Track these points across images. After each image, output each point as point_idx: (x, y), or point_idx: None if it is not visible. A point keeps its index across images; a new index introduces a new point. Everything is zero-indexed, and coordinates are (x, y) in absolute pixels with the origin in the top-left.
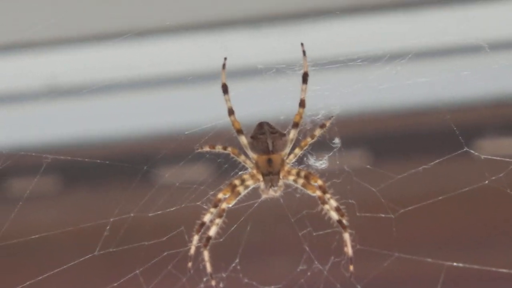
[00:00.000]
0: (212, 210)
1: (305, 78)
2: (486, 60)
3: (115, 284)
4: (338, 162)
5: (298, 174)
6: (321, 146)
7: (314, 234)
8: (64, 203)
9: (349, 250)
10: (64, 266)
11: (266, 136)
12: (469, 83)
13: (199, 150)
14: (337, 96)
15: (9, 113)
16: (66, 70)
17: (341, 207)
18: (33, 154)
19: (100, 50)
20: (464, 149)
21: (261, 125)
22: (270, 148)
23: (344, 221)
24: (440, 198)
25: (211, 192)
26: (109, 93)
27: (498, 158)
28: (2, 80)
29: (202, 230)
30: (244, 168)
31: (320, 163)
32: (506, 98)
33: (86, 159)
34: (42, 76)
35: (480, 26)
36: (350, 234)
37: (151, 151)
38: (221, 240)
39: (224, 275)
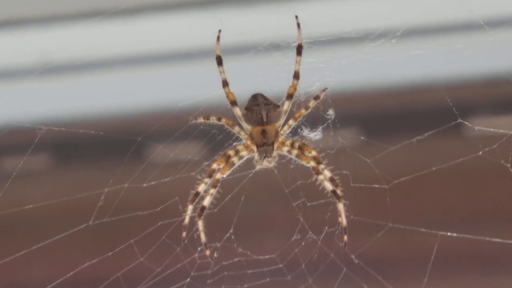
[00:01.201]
0: (206, 180)
1: (299, 50)
2: (481, 37)
3: (110, 254)
4: (332, 134)
5: (292, 145)
6: (315, 118)
7: (308, 204)
8: (59, 178)
9: (343, 220)
10: (59, 236)
11: (260, 107)
12: (464, 60)
13: (193, 122)
14: (332, 68)
15: (2, 89)
16: (59, 47)
17: (335, 177)
18: (27, 125)
19: (94, 26)
20: (458, 120)
21: (255, 97)
22: (264, 119)
23: (338, 192)
24: (433, 169)
25: (205, 163)
26: (103, 69)
27: (492, 129)
28: None
29: (196, 200)
30: (238, 139)
31: (314, 134)
32: (501, 75)
33: (81, 130)
34: (35, 53)
35: (477, 2)
36: (344, 205)
37: (146, 125)
38: (215, 210)
39: (218, 244)
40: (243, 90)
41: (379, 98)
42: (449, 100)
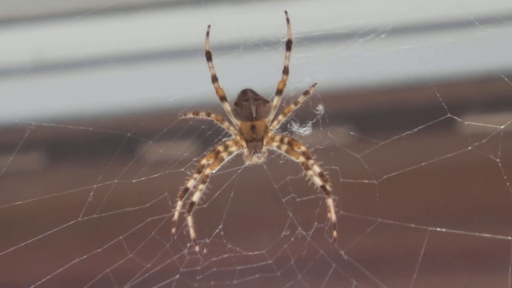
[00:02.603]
0: (196, 176)
1: (288, 45)
2: (472, 33)
3: (99, 250)
4: (321, 129)
5: (281, 141)
6: (305, 113)
7: (298, 200)
8: (49, 175)
9: (332, 216)
10: (48, 232)
11: (249, 102)
12: (455, 56)
13: (183, 117)
14: (321, 64)
15: None
16: (49, 44)
17: (325, 173)
18: (16, 121)
19: (87, 25)
20: (448, 115)
21: (244, 92)
22: (254, 114)
23: (328, 187)
24: (423, 164)
25: (195, 159)
26: (93, 67)
27: (481, 124)
28: None
29: (186, 196)
30: (228, 134)
31: (304, 129)
32: (492, 72)
33: (70, 126)
34: (28, 51)
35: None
36: (334, 200)
37: (136, 121)
38: (205, 206)
39: (207, 240)
40: (232, 86)
41: (369, 93)
42: (438, 95)
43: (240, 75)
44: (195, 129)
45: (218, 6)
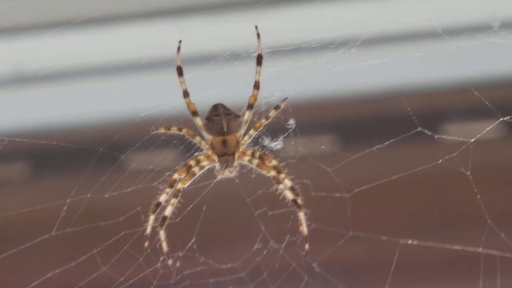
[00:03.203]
0: (168, 190)
1: (259, 60)
2: (441, 44)
3: (73, 264)
4: (292, 143)
5: (253, 155)
6: (276, 127)
7: (270, 213)
8: (23, 190)
9: (304, 229)
10: (21, 247)
11: (221, 117)
12: (425, 67)
13: (155, 132)
14: (292, 78)
15: None
16: (30, 57)
17: (296, 186)
18: None
19: (61, 36)
20: (418, 129)
21: (216, 107)
22: (225, 129)
23: (299, 201)
24: (394, 177)
25: (167, 173)
26: (69, 79)
27: (451, 137)
28: None
29: (158, 210)
30: (199, 149)
31: (275, 144)
32: (462, 83)
33: (42, 141)
34: (6, 63)
35: (436, 10)
36: (305, 213)
37: (109, 135)
38: (177, 220)
39: (180, 254)
40: (204, 100)
41: (340, 107)
42: (408, 109)
43: (210, 89)
44: (167, 144)
45: (188, 18)
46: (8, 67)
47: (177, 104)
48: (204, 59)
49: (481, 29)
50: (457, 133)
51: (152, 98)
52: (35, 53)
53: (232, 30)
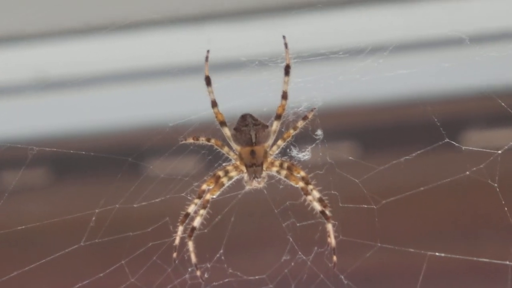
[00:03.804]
0: (196, 201)
1: (287, 70)
2: (467, 53)
3: (101, 274)
4: (321, 154)
5: (281, 166)
6: (304, 138)
7: (298, 225)
8: (51, 195)
9: (332, 240)
10: (50, 257)
11: (249, 128)
12: (451, 75)
13: (183, 142)
14: (319, 88)
15: None
16: (54, 63)
17: (324, 198)
18: (19, 145)
19: (88, 43)
20: (445, 140)
21: (244, 117)
22: (253, 139)
23: (327, 212)
24: (421, 188)
25: (195, 183)
26: (95, 86)
27: (479, 149)
28: None
29: (187, 221)
30: (227, 159)
31: (303, 154)
32: (488, 90)
33: (72, 151)
34: (30, 69)
35: (462, 19)
36: (333, 225)
37: (137, 143)
38: (206, 231)
39: (208, 265)
40: (232, 110)
41: (368, 116)
42: (436, 120)
43: (239, 98)
44: (195, 154)
45: (216, 25)
46: (31, 74)
47: (205, 113)
48: (232, 68)
49: (507, 36)
50: (481, 141)
51: (180, 107)
52: (64, 58)
53: (260, 38)
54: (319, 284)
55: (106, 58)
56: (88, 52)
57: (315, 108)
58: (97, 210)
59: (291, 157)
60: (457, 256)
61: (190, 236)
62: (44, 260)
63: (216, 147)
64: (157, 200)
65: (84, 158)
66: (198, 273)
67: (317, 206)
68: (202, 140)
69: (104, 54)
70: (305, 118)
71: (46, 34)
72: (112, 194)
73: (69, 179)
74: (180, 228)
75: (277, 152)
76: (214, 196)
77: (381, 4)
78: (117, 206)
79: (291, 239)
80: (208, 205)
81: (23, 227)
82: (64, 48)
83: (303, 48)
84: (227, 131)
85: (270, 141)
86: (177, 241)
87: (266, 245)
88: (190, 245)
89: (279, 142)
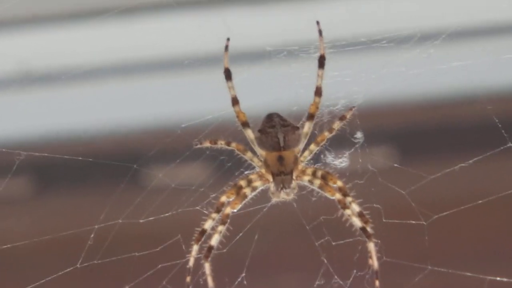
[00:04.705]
0: (214, 215)
1: (321, 62)
2: None
3: None
4: (360, 160)
5: (314, 174)
6: (341, 142)
7: (333, 243)
8: (41, 208)
9: (374, 262)
10: (41, 281)
11: (276, 129)
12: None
13: (198, 146)
14: (360, 83)
15: None
16: (40, 53)
17: (365, 212)
18: (3, 150)
19: (81, 29)
20: (508, 145)
21: (270, 117)
22: (281, 143)
23: (368, 229)
24: (479, 202)
25: (213, 195)
26: (92, 79)
27: None
28: None
29: (203, 239)
30: (251, 167)
31: (340, 161)
32: None
33: (66, 156)
34: (12, 60)
35: None
36: (376, 244)
37: (142, 147)
38: (225, 250)
39: None
40: (256, 109)
41: (416, 116)
42: (497, 120)
43: (264, 95)
44: (213, 160)
45: (237, 9)
46: (11, 66)
47: (224, 112)
48: (256, 59)
49: None
50: None
51: (194, 105)
52: (52, 49)
53: (288, 24)
54: None
55: (104, 48)
56: (82, 40)
57: (354, 107)
58: (96, 226)
59: (326, 164)
60: None
61: (206, 256)
62: (34, 285)
63: (237, 152)
64: (167, 214)
65: (80, 165)
66: None
67: (357, 222)
68: (221, 144)
69: (102, 42)
70: (342, 118)
71: (30, 20)
72: (114, 208)
73: (63, 190)
74: (195, 248)
75: (309, 158)
76: (235, 210)
77: None
78: (119, 221)
79: (325, 261)
80: (228, 221)
81: (8, 246)
82: (52, 36)
83: (340, 36)
84: (250, 134)
85: (301, 146)
86: (191, 262)
87: (295, 267)
88: (207, 267)
89: (312, 146)
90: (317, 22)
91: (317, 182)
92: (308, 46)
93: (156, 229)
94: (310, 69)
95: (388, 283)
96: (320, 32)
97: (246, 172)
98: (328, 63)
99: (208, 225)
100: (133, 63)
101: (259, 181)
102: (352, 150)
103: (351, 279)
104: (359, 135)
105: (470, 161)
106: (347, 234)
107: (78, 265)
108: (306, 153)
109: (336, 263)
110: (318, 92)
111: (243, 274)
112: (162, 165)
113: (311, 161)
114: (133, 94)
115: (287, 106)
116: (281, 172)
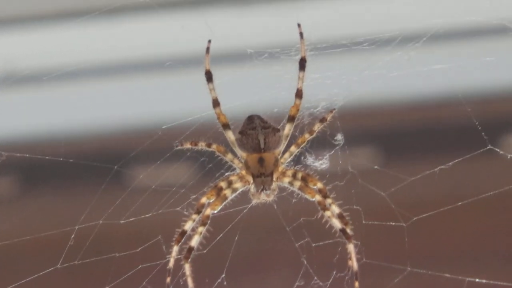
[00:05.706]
0: (194, 216)
1: (302, 64)
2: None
3: None
4: (341, 162)
5: (294, 176)
6: (321, 144)
7: (313, 245)
8: (22, 208)
9: (353, 263)
10: (21, 281)
11: (257, 131)
12: (494, 71)
13: (179, 148)
14: (340, 85)
15: None
16: (25, 53)
17: (345, 213)
18: None
19: (64, 30)
20: (488, 147)
21: (251, 119)
22: (262, 145)
23: (348, 230)
24: (459, 204)
25: (193, 196)
26: (73, 80)
27: None
28: None
29: (183, 240)
30: (231, 168)
31: (320, 163)
32: None
33: (47, 157)
34: None
35: (509, 4)
36: (355, 245)
37: (123, 148)
38: (205, 251)
39: None
40: (237, 110)
41: (396, 118)
42: (477, 123)
43: (245, 97)
44: (194, 161)
45: (217, 9)
46: (6, 65)
47: (205, 114)
48: (238, 61)
49: None
50: None
51: (175, 106)
52: (34, 48)
53: (270, 26)
54: None
55: (86, 48)
56: (64, 41)
57: (334, 109)
58: (77, 227)
59: (307, 166)
60: (501, 283)
61: (186, 257)
62: (13, 286)
63: (218, 153)
64: (147, 215)
65: (61, 166)
66: None
67: (337, 223)
68: (202, 146)
69: (84, 43)
70: (323, 120)
71: (16, 19)
72: (94, 208)
73: (43, 190)
74: (175, 249)
75: (289, 160)
76: (215, 211)
77: None
78: (100, 222)
79: (305, 262)
80: (208, 222)
81: None
82: (37, 36)
83: (321, 38)
84: (231, 135)
85: (282, 147)
86: (171, 263)
87: (276, 268)
88: (187, 268)
89: (292, 148)
90: (298, 25)
91: (298, 183)
92: (289, 48)
93: (137, 230)
94: (291, 71)
95: (368, 284)
96: (301, 34)
97: (226, 174)
98: (309, 65)
99: (188, 226)
100: (114, 64)
101: (239, 182)
102: (333, 152)
103: (331, 280)
104: (339, 137)
105: (450, 163)
106: (327, 236)
107: (58, 265)
108: (287, 155)
109: (316, 264)
110: (299, 94)
111: (223, 275)
112: (143, 166)
113: (292, 163)
114: (115, 95)
115: (268, 108)
116: (262, 174)
